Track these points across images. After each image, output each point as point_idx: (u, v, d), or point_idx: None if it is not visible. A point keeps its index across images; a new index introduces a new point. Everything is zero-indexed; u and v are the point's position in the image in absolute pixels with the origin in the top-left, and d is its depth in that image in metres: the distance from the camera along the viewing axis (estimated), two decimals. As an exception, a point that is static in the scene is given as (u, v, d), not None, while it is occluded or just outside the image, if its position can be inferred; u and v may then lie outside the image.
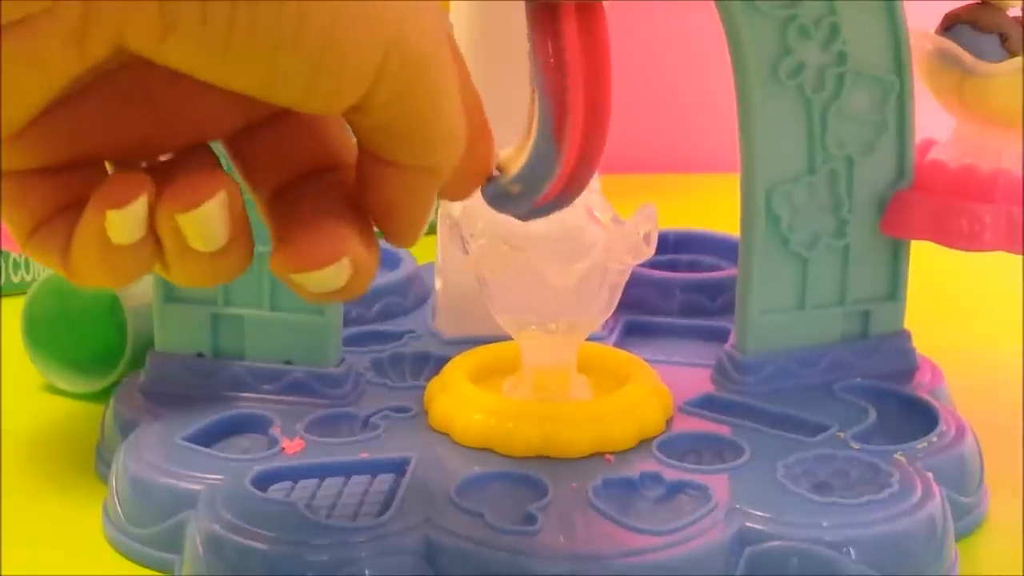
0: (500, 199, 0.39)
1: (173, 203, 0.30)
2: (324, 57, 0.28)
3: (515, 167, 0.39)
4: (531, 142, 0.39)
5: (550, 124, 0.38)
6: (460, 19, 0.55)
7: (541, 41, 0.38)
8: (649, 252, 0.45)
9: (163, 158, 0.33)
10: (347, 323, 0.53)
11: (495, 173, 0.39)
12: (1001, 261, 0.51)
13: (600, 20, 0.39)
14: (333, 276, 0.32)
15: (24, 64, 0.28)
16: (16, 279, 0.67)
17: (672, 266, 0.61)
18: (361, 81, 0.29)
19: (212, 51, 0.28)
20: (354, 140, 0.33)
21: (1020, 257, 0.49)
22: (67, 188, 0.32)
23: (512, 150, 0.39)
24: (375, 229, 0.34)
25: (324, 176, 0.34)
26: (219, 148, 0.34)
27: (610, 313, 0.47)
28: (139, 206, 0.30)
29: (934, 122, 0.52)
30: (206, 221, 0.31)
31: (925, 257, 0.53)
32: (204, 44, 0.28)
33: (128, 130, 0.32)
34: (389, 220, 0.33)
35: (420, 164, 0.32)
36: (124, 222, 0.30)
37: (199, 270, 0.32)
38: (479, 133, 0.35)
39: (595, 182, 0.56)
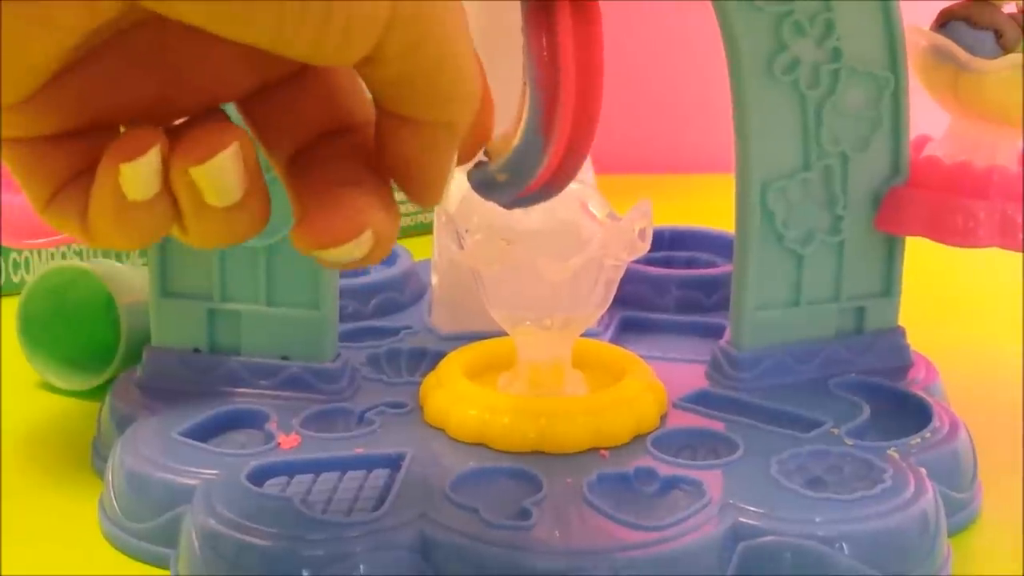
0: (486, 186, 0.39)
1: (186, 156, 0.30)
2: (333, 5, 0.28)
3: (503, 155, 0.39)
4: (520, 132, 0.39)
5: (539, 117, 0.38)
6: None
7: (535, 35, 0.39)
8: (644, 248, 0.45)
9: (177, 123, 0.33)
10: (343, 319, 0.53)
11: (482, 159, 0.39)
12: (996, 258, 0.51)
13: (595, 16, 0.39)
14: (354, 249, 0.32)
15: (33, 21, 0.27)
16: (16, 279, 0.67)
17: (668, 263, 0.62)
18: (372, 30, 0.29)
19: (221, 6, 0.27)
20: (371, 99, 0.33)
21: (1014, 253, 0.49)
22: (83, 153, 0.31)
23: (500, 139, 0.39)
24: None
25: (341, 137, 0.34)
26: (235, 115, 0.34)
27: (605, 309, 0.47)
28: (152, 157, 0.30)
29: (929, 119, 0.52)
30: (219, 173, 0.30)
31: (920, 253, 0.53)
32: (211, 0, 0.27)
33: (142, 91, 0.32)
34: (409, 179, 0.33)
35: (437, 119, 0.32)
36: (137, 175, 0.30)
37: (215, 228, 0.31)
38: (482, 98, 0.34)
39: (590, 178, 0.56)
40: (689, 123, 1.00)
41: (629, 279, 0.54)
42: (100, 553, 0.44)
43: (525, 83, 0.38)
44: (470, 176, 0.39)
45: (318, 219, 0.32)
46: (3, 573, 0.43)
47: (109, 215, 0.31)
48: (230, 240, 0.32)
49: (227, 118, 0.33)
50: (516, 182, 0.39)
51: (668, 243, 0.63)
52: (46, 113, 0.31)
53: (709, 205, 0.64)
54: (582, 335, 0.48)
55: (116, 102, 0.31)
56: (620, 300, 0.49)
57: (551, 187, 0.39)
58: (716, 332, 0.53)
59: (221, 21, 0.28)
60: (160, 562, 0.43)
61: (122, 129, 0.32)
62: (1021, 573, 0.44)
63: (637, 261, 0.47)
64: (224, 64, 0.32)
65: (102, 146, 0.31)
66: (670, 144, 1.00)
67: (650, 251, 0.46)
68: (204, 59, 0.32)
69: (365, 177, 0.33)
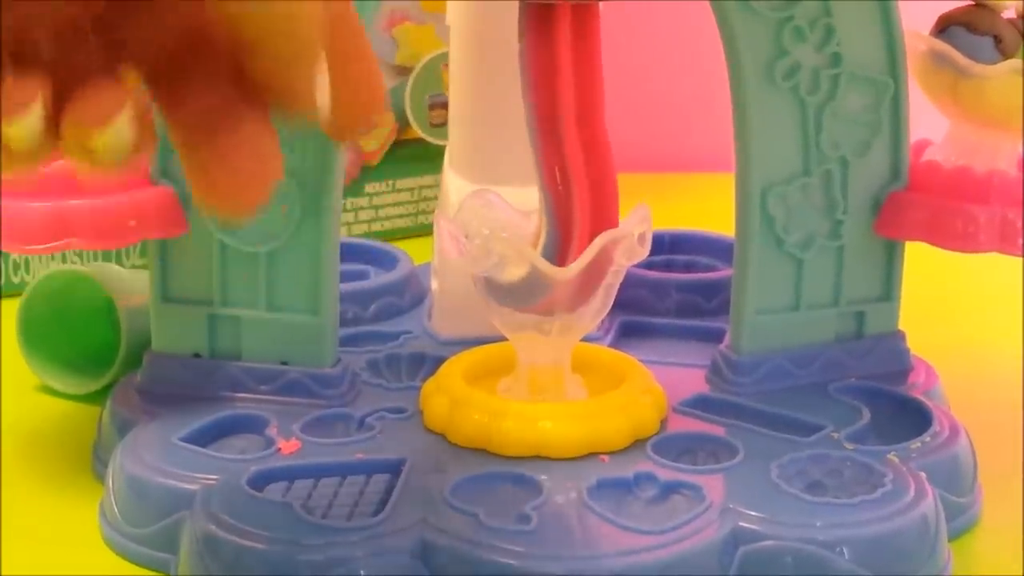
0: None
1: (79, 122, 0.30)
2: None
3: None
4: (537, 251, 0.42)
5: (556, 247, 0.42)
6: (459, 19, 0.55)
7: (548, 170, 0.40)
8: (643, 253, 0.45)
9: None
10: (344, 323, 0.53)
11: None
12: (996, 262, 0.51)
13: (604, 145, 0.41)
14: (261, 204, 0.32)
15: None
16: (16, 280, 0.67)
17: (668, 266, 0.61)
18: None
19: None
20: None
21: (1014, 258, 0.49)
22: None
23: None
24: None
25: (204, 53, 0.32)
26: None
27: (605, 313, 0.47)
28: (34, 114, 0.30)
29: (928, 123, 0.52)
30: (115, 136, 0.30)
31: (920, 258, 0.53)
32: None
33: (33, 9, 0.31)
34: (275, 85, 0.32)
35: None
36: (22, 131, 0.30)
37: (104, 168, 0.31)
38: (366, 71, 0.34)
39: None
40: (689, 123, 1.00)
41: (629, 283, 0.53)
42: (100, 558, 0.44)
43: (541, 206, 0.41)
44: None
45: (225, 184, 0.31)
46: (3, 578, 0.43)
47: None
48: (113, 168, 0.31)
49: (113, 61, 0.32)
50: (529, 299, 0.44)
51: (668, 247, 0.63)
52: None
53: (709, 205, 0.64)
54: (582, 340, 0.48)
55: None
56: (620, 304, 0.49)
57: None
58: (716, 336, 0.53)
59: None
60: (161, 567, 0.43)
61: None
62: (1021, 577, 0.44)
63: (637, 265, 0.47)
64: None
65: None
66: (670, 144, 1.00)
67: (650, 255, 0.46)
68: None
69: (244, 107, 0.32)
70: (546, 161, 0.42)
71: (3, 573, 0.43)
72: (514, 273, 0.43)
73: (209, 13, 0.33)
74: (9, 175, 0.31)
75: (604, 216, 0.42)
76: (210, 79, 0.33)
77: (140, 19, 0.33)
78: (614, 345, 0.54)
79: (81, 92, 0.31)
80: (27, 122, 0.30)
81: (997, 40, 0.50)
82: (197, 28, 0.33)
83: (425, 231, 0.76)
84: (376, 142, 0.75)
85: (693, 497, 0.42)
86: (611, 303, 0.46)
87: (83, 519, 0.46)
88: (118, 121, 0.30)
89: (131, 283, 0.56)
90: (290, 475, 0.44)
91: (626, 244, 0.45)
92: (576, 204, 0.41)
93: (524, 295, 0.42)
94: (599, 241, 0.43)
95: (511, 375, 0.48)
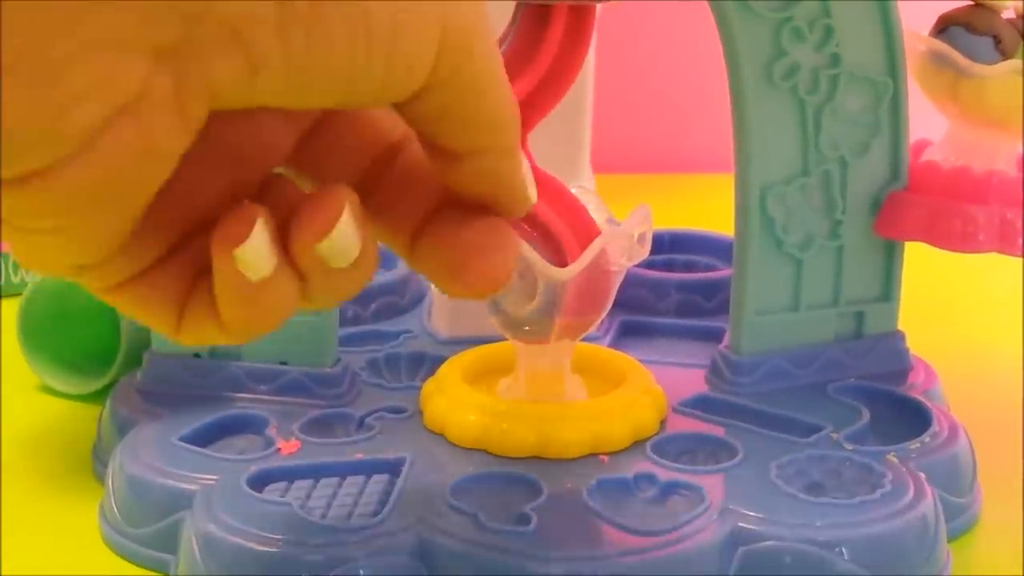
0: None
1: (306, 233, 0.30)
2: (394, 43, 0.28)
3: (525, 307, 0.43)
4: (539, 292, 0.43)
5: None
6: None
7: (516, 227, 0.42)
8: (644, 253, 0.45)
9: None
10: (343, 323, 0.53)
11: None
12: (995, 262, 0.51)
13: (551, 182, 0.42)
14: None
15: (138, 154, 0.27)
16: (16, 280, 0.67)
17: (668, 266, 0.62)
18: (427, 57, 0.29)
19: (299, 74, 0.27)
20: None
21: (1013, 258, 0.49)
22: (188, 264, 0.31)
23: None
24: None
25: (395, 161, 0.33)
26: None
27: (605, 314, 0.47)
28: (260, 230, 0.30)
29: (928, 123, 0.52)
30: (342, 238, 0.30)
31: (919, 258, 0.53)
32: (290, 71, 0.27)
33: (214, 184, 0.31)
34: (492, 206, 0.33)
35: (490, 143, 0.31)
36: (254, 253, 0.30)
37: (341, 286, 0.31)
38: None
39: (589, 183, 0.56)
40: (689, 123, 1.00)
41: (629, 283, 0.54)
42: (100, 558, 0.44)
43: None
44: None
45: (475, 264, 0.32)
46: (3, 578, 0.43)
47: (239, 304, 0.30)
48: (355, 292, 0.32)
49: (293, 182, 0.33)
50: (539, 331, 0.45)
51: (668, 246, 0.63)
52: (145, 243, 0.31)
53: (709, 206, 0.64)
54: (582, 339, 0.48)
55: (197, 204, 0.31)
56: (619, 304, 0.49)
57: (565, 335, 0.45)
58: (716, 336, 0.53)
59: (300, 93, 0.28)
60: (160, 567, 0.43)
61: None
62: (1020, 577, 0.44)
63: (637, 264, 0.47)
64: (271, 130, 0.32)
65: (200, 248, 0.31)
66: (670, 144, 1.00)
67: (650, 254, 0.46)
68: (255, 133, 0.32)
69: (466, 206, 0.33)
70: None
71: (3, 573, 0.43)
72: (525, 308, 0.43)
73: (388, 118, 0.33)
74: (267, 325, 0.31)
75: (588, 231, 0.43)
76: (406, 183, 0.33)
77: (326, 155, 0.33)
78: (614, 345, 0.54)
79: (303, 207, 0.30)
80: (254, 243, 0.30)
81: (996, 40, 0.50)
82: (376, 139, 0.33)
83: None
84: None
85: (692, 497, 0.42)
86: (611, 304, 0.46)
87: (83, 519, 0.46)
88: (341, 222, 0.30)
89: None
90: (290, 475, 0.44)
91: (626, 244, 0.45)
92: (560, 236, 0.42)
93: (535, 323, 0.43)
94: (598, 242, 0.43)
95: (511, 375, 0.48)
